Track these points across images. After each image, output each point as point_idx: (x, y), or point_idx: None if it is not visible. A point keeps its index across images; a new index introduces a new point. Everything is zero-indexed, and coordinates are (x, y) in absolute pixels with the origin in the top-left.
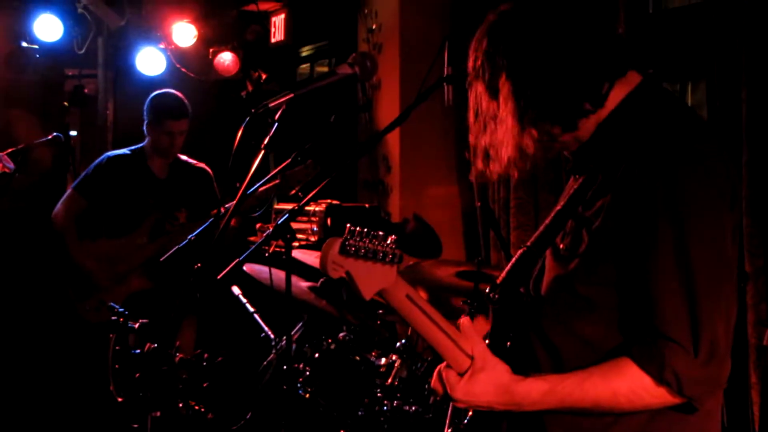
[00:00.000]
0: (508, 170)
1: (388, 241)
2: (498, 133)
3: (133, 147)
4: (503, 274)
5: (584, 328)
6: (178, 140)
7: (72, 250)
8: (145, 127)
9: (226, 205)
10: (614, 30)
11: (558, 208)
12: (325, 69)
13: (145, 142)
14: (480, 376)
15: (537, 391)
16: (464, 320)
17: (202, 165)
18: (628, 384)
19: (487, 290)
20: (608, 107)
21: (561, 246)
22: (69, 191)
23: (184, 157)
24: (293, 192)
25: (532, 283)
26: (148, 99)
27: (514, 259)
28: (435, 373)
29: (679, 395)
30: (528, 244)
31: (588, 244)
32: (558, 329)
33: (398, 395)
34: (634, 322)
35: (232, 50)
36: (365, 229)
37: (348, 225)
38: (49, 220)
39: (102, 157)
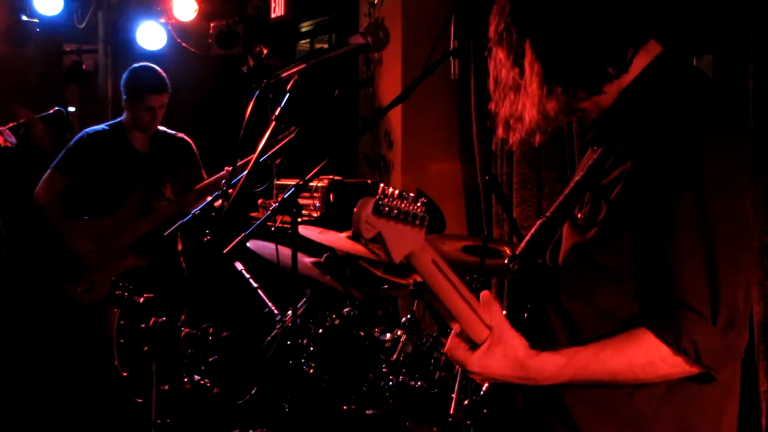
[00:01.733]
0: (531, 135)
1: (418, 203)
2: (521, 97)
3: (111, 122)
4: (522, 244)
5: (602, 297)
6: (159, 114)
7: (57, 231)
8: (123, 103)
9: (234, 179)
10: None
11: (577, 178)
12: (325, 45)
13: (123, 116)
14: (496, 350)
15: (553, 365)
16: (486, 292)
17: (181, 135)
18: (644, 354)
19: (506, 261)
20: (630, 75)
21: (579, 215)
22: (48, 170)
23: (162, 128)
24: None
25: (548, 253)
26: (126, 74)
27: (533, 230)
28: (449, 343)
29: (696, 364)
30: (547, 214)
31: (606, 212)
32: (575, 300)
33: (403, 371)
34: (651, 291)
35: (232, 25)
36: (397, 191)
37: (381, 185)
38: None
39: (80, 133)
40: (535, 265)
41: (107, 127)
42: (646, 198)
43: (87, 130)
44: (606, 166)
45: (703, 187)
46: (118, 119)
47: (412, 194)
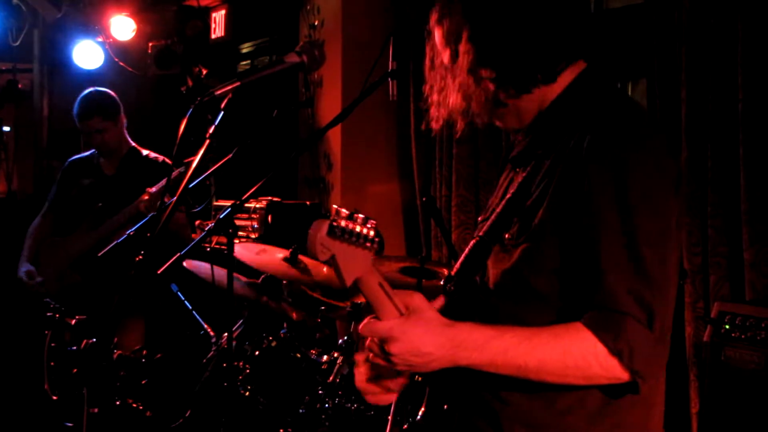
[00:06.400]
0: (453, 116)
1: (369, 225)
2: (448, 79)
3: None
4: (457, 265)
5: (535, 317)
6: (99, 138)
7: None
8: None
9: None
10: (573, 15)
11: (508, 197)
12: None
13: None
14: (416, 317)
15: (481, 333)
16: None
17: (155, 157)
18: (579, 348)
19: (442, 282)
20: (553, 92)
21: (506, 236)
22: None
23: (145, 152)
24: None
25: (481, 274)
26: None
27: (467, 250)
28: (363, 323)
29: (628, 369)
30: (480, 233)
31: (533, 232)
32: (507, 320)
33: (340, 393)
34: (584, 304)
35: (171, 45)
36: (349, 211)
37: (334, 206)
38: None
39: (67, 161)
40: (470, 286)
41: (89, 153)
42: (573, 215)
43: (72, 157)
44: (533, 186)
45: (631, 205)
46: None
47: (362, 215)
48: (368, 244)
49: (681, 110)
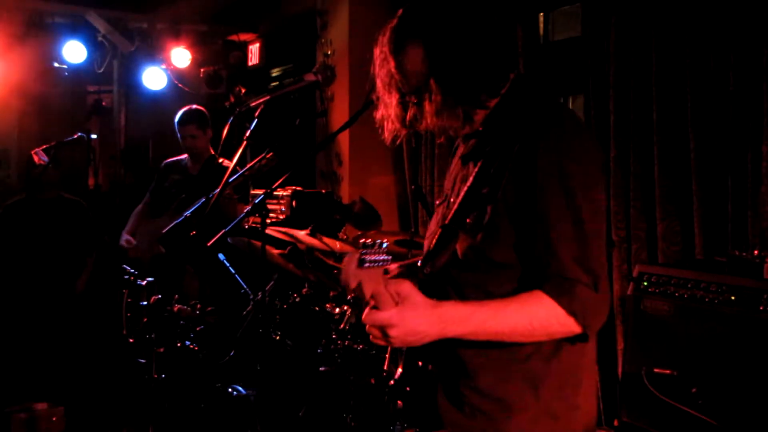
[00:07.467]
0: (429, 129)
1: (383, 249)
2: (426, 104)
3: None
4: (432, 248)
5: (499, 288)
6: (190, 142)
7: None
8: None
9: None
10: (511, 31)
11: (465, 189)
12: None
13: None
14: (411, 302)
15: (464, 309)
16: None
17: (227, 163)
18: (543, 312)
19: (418, 264)
20: (495, 98)
21: (468, 221)
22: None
23: (220, 159)
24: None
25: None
26: None
27: (436, 237)
28: (365, 320)
29: (581, 324)
30: (446, 222)
31: (491, 216)
32: (478, 293)
33: (349, 336)
34: (538, 271)
35: (218, 70)
36: (373, 240)
37: (362, 240)
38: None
39: (163, 162)
40: (442, 268)
41: (180, 157)
42: (525, 197)
43: (167, 160)
44: (487, 179)
45: (571, 184)
46: None
47: (379, 242)
48: (381, 264)
49: (610, 119)
